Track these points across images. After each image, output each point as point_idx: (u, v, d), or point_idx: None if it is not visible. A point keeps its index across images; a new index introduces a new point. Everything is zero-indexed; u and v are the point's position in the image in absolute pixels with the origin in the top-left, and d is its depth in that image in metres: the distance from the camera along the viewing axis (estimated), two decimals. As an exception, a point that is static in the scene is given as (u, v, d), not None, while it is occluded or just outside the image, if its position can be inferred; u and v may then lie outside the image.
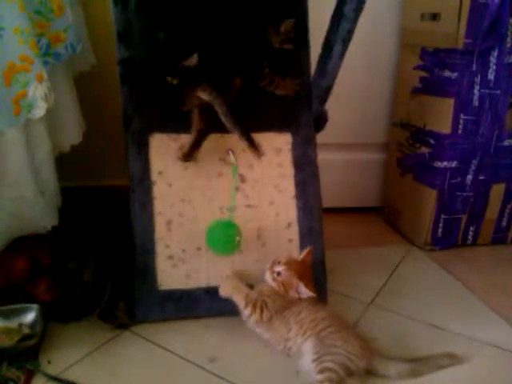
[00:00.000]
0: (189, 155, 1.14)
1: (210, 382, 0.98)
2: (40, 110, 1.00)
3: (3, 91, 0.96)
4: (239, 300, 1.06)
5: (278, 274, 1.07)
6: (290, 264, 1.08)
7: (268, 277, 1.08)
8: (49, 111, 1.01)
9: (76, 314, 1.17)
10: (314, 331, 1.00)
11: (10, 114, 0.97)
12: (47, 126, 1.07)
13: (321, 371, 0.93)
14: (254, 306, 1.04)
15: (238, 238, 1.12)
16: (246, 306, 1.04)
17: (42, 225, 1.11)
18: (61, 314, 1.15)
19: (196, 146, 1.13)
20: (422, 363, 1.01)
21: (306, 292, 1.04)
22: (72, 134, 1.22)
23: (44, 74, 1.00)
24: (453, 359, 1.03)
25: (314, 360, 0.95)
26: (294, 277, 1.06)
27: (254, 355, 1.06)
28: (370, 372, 0.98)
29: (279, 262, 1.08)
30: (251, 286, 1.10)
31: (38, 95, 0.99)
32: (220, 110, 1.06)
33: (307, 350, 0.98)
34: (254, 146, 1.09)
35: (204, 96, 1.06)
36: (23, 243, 1.15)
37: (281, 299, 1.06)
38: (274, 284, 1.07)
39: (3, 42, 0.94)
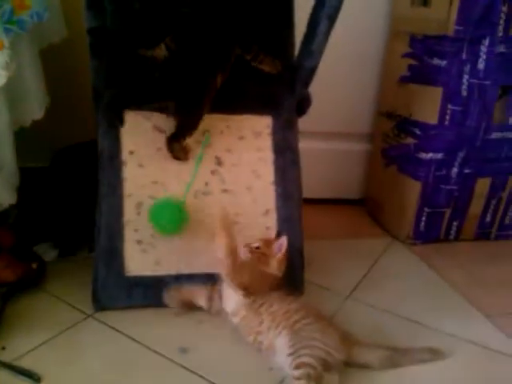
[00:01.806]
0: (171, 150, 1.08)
1: (179, 375, 0.93)
2: (0, 79, 0.93)
3: (-41, 57, 0.90)
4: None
5: (257, 247, 1.03)
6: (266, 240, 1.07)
7: (245, 253, 1.03)
8: (9, 82, 0.95)
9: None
10: (287, 323, 0.93)
11: (-35, 80, 0.91)
12: (7, 98, 1.02)
13: (297, 366, 0.86)
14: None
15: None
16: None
17: None
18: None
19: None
20: (402, 353, 0.97)
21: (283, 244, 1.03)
22: (34, 108, 1.16)
23: (5, 41, 0.94)
24: (435, 354, 0.99)
25: (290, 354, 0.89)
26: (271, 246, 1.04)
27: (227, 347, 1.01)
28: (348, 364, 0.93)
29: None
30: None
31: (-2, 62, 0.93)
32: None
33: (281, 344, 0.92)
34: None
35: None
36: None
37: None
38: (251, 256, 1.03)
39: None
